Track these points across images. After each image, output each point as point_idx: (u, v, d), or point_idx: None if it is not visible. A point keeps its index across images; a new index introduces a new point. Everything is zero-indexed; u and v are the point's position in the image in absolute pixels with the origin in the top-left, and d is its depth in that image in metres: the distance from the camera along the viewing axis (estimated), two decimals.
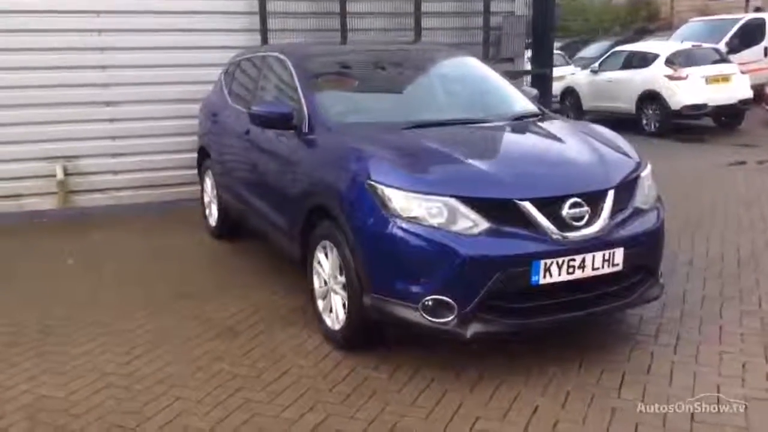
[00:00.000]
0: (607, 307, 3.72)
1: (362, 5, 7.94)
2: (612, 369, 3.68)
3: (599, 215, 3.58)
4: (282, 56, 4.96)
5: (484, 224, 3.43)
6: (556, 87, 16.02)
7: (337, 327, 3.92)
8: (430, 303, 3.44)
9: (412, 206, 3.47)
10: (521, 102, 4.84)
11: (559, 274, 3.47)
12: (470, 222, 3.43)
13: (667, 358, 3.80)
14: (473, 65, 5.20)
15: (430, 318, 3.45)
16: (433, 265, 3.43)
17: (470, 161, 3.68)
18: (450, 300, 3.41)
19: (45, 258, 5.85)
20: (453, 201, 3.43)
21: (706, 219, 6.49)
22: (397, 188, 3.51)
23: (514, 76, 8.70)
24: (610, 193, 3.63)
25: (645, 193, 3.90)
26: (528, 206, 3.45)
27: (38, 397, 3.52)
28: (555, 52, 19.75)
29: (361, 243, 3.62)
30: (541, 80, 8.92)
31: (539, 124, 4.48)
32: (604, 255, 3.56)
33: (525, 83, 9.05)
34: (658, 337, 4.05)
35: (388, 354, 3.86)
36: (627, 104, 13.36)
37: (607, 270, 3.59)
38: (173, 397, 3.49)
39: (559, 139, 4.16)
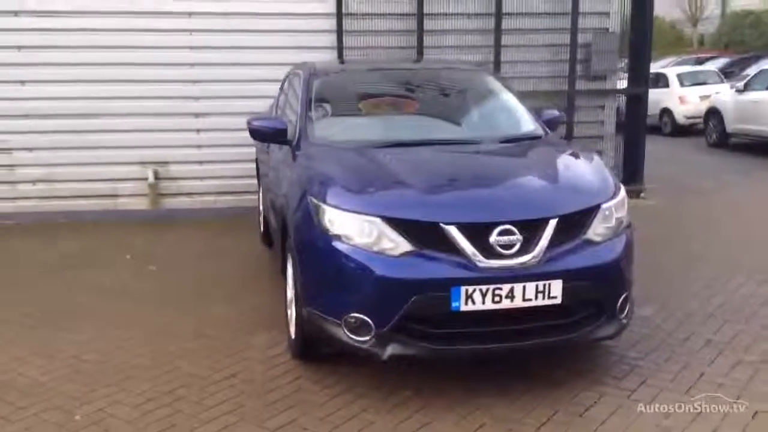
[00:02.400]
0: (542, 341, 3.55)
1: (441, 23, 8.00)
2: (546, 406, 3.52)
3: (536, 244, 3.44)
4: (300, 72, 5.19)
5: (405, 246, 3.42)
6: (701, 108, 15.03)
7: (293, 337, 4.06)
8: (350, 321, 3.49)
9: (343, 223, 3.54)
10: (523, 124, 4.71)
11: (483, 303, 3.38)
12: (392, 243, 3.44)
13: (615, 402, 3.56)
14: (487, 85, 5.12)
15: (350, 335, 3.50)
16: (354, 284, 3.49)
17: (411, 183, 3.67)
18: (368, 319, 3.44)
19: (111, 251, 6.49)
20: (379, 221, 3.46)
21: None
22: (331, 205, 3.60)
23: (604, 95, 8.40)
24: (552, 223, 3.47)
25: (606, 225, 3.68)
26: (453, 231, 3.39)
27: (14, 376, 3.96)
28: (709, 69, 18.52)
29: (299, 256, 3.76)
30: (636, 100, 8.48)
31: (523, 148, 4.35)
32: (537, 286, 3.42)
33: (618, 102, 8.68)
34: (622, 380, 3.80)
35: (338, 367, 3.93)
36: None
37: (541, 302, 3.44)
38: (120, 387, 3.79)
39: (526, 165, 4.04)
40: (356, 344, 3.50)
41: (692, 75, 17.02)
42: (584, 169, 4.01)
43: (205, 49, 7.83)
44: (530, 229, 3.46)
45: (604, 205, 3.69)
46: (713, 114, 14.23)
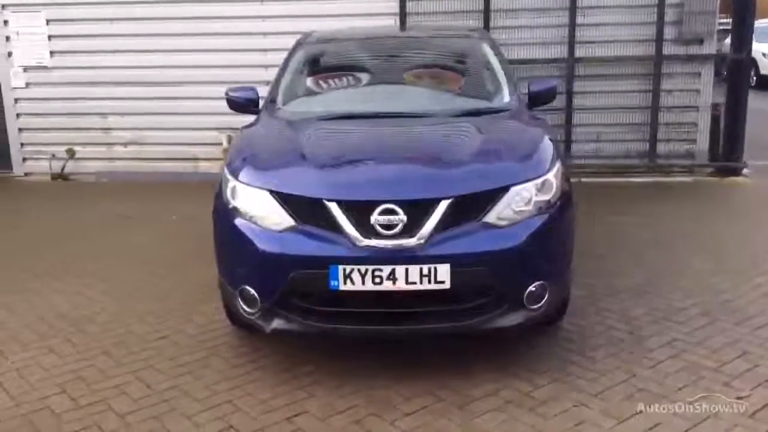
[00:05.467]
0: (432, 326, 3.34)
1: None
2: (432, 395, 3.34)
3: (421, 226, 3.24)
4: (296, 40, 5.19)
5: (288, 221, 3.37)
6: None
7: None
8: (244, 292, 3.50)
9: (240, 196, 3.55)
10: (494, 96, 4.40)
11: (363, 283, 3.24)
12: (279, 218, 3.40)
13: (510, 397, 3.30)
14: (475, 53, 4.79)
15: (244, 306, 3.53)
16: (243, 257, 3.50)
17: (311, 157, 3.57)
18: (254, 292, 3.45)
19: (164, 212, 6.95)
20: (267, 195, 3.43)
21: None
22: (235, 178, 3.62)
23: (700, 61, 7.59)
24: (442, 204, 3.24)
25: (517, 208, 3.35)
26: (334, 208, 3.28)
27: None
28: None
29: (213, 226, 3.82)
30: (737, 67, 7.55)
31: (467, 122, 4.03)
32: (421, 269, 3.22)
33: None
34: (539, 375, 3.50)
35: (262, 338, 3.93)
36: None
37: (427, 286, 3.24)
38: (66, 339, 4.10)
39: (450, 141, 3.80)
40: (247, 315, 3.52)
41: None
42: (512, 147, 3.66)
43: (275, 18, 8.04)
44: (417, 209, 3.25)
45: (515, 187, 3.37)
46: None
